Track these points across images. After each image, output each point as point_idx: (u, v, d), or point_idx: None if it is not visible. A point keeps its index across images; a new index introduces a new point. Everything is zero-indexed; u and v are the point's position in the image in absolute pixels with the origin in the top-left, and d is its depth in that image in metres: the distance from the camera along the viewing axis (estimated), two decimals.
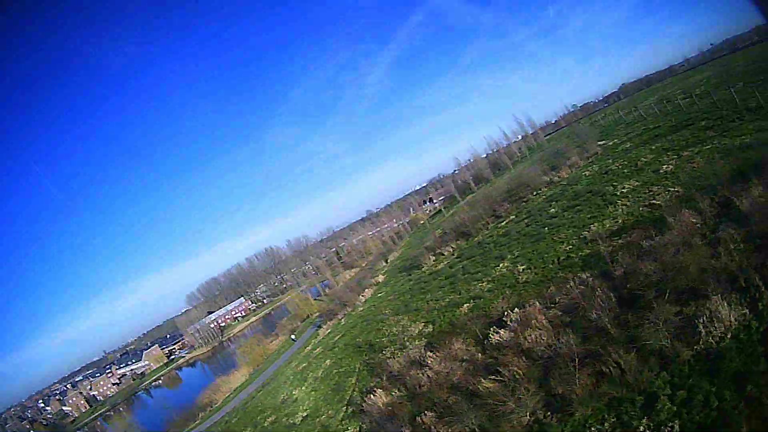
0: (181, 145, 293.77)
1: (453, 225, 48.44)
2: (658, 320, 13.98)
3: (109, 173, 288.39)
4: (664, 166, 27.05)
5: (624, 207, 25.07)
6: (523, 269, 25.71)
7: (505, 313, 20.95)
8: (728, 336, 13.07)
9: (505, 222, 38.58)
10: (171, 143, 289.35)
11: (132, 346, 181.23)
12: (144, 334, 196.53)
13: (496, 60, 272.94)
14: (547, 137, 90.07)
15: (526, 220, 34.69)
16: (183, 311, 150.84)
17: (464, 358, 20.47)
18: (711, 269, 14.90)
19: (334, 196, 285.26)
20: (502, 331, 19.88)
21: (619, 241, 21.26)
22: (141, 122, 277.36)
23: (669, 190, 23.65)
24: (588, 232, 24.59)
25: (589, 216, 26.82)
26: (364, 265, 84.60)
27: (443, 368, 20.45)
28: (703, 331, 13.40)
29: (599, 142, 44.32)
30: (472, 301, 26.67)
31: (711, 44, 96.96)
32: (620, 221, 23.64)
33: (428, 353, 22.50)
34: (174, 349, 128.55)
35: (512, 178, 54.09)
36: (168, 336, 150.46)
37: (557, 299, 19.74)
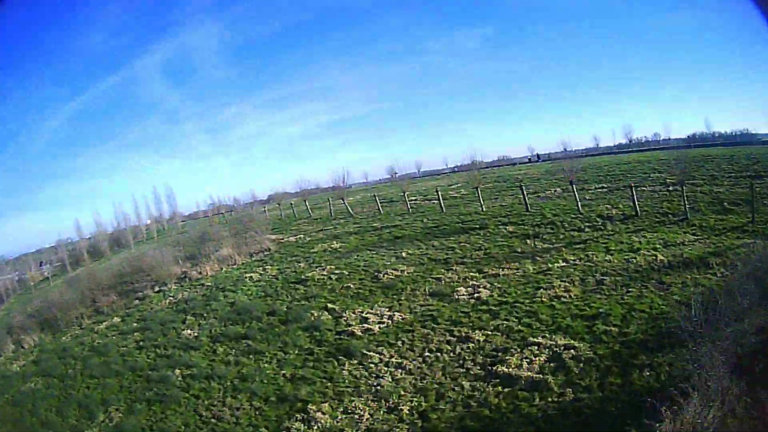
0: None
1: (41, 305, 32.49)
2: None
3: None
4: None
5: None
6: None
7: None
8: None
9: (105, 324, 25.54)
10: None
11: None
12: None
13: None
14: (183, 223, 60.52)
15: (138, 335, 22.75)
16: None
17: None
18: None
19: None
20: None
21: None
22: None
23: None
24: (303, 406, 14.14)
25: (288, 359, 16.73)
26: None
27: None
28: None
29: (271, 236, 32.21)
30: None
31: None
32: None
33: None
34: None
35: (129, 259, 38.80)
36: None
37: None
